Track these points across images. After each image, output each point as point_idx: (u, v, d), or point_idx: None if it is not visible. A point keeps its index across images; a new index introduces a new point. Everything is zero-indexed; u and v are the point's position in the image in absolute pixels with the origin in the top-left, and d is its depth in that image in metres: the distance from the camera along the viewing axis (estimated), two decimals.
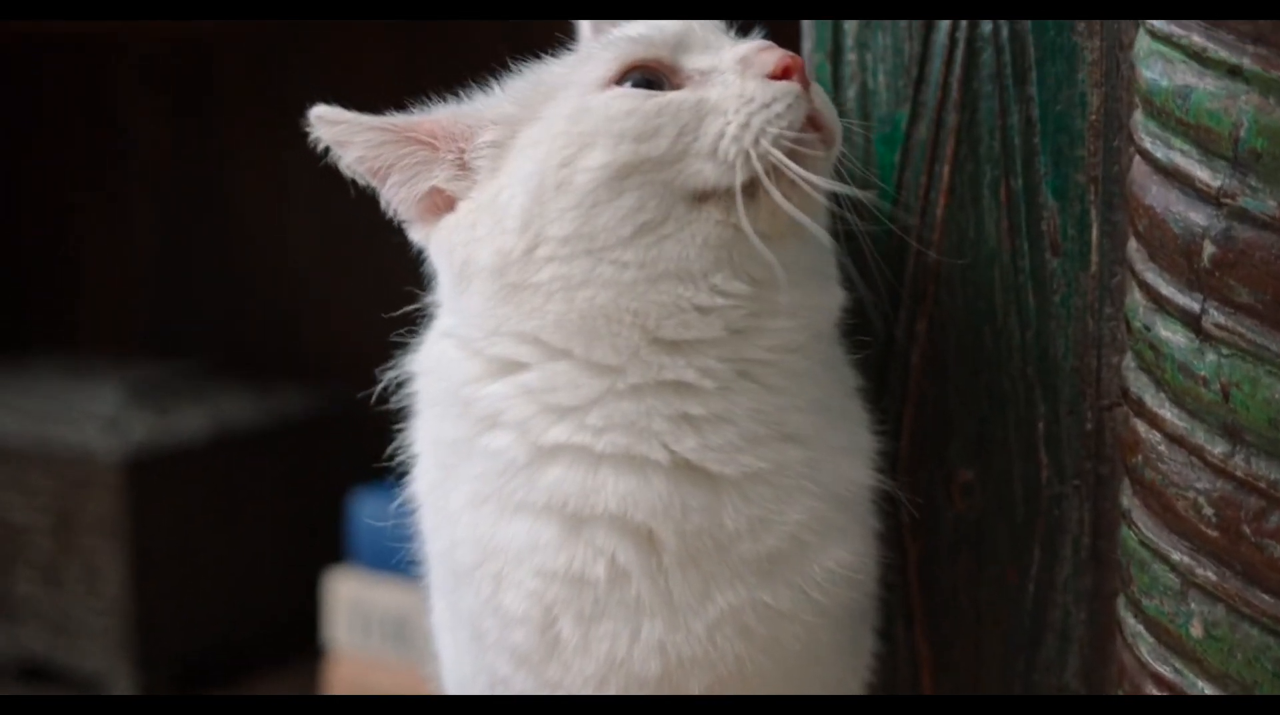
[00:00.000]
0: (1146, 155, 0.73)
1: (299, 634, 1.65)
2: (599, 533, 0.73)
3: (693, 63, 0.75)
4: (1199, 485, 0.71)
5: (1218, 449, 0.70)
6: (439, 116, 0.78)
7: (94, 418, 1.62)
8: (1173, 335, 0.72)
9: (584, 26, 0.87)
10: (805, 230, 0.73)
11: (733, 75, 0.73)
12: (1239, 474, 0.68)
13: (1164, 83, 0.71)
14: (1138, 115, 0.74)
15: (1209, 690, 0.71)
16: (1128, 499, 0.76)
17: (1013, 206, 0.80)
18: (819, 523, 0.74)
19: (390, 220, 0.80)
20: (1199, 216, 0.70)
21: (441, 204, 0.78)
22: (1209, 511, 0.70)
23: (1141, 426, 0.74)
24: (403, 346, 0.81)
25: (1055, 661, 0.83)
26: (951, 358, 0.83)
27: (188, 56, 1.90)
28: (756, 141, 0.71)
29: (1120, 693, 0.77)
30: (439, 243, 0.78)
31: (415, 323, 0.82)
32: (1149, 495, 0.74)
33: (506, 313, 0.74)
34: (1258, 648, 0.68)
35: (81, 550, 1.61)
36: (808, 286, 0.75)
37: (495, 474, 0.75)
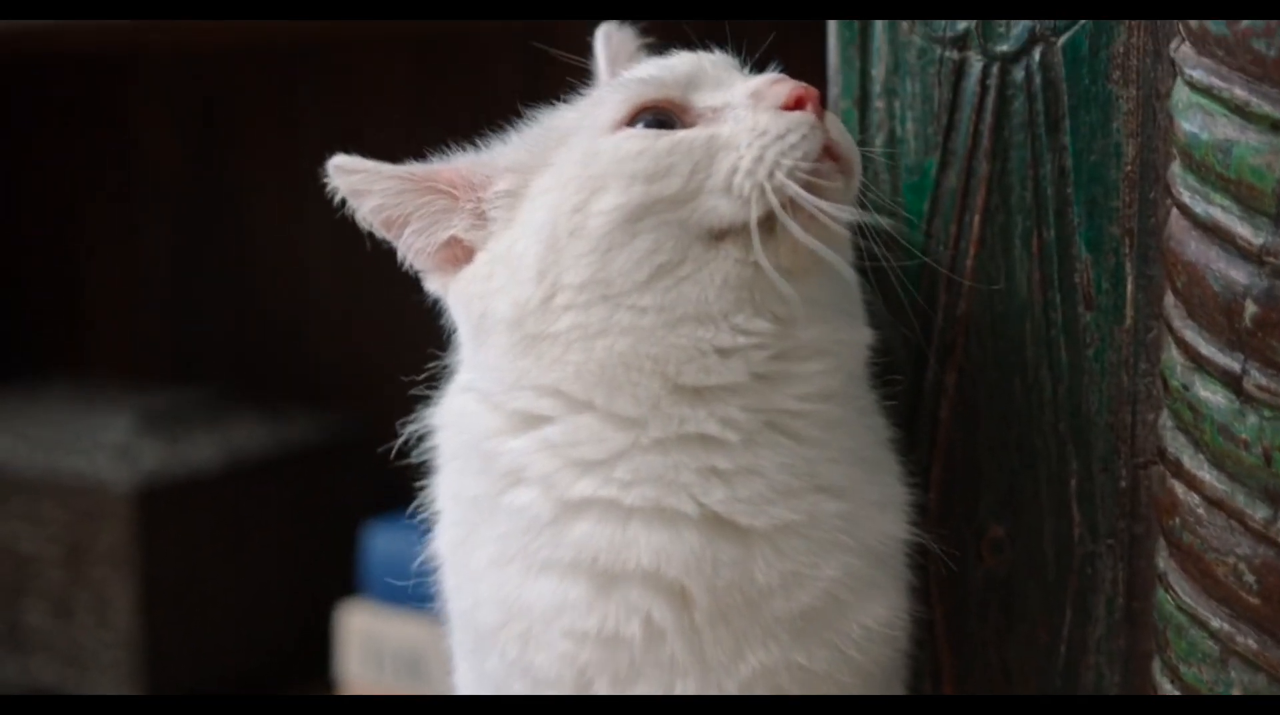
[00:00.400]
0: (1185, 210, 0.71)
1: (311, 667, 1.64)
2: (632, 590, 0.71)
3: (704, 100, 0.74)
4: (1240, 551, 0.69)
5: (1259, 514, 0.68)
6: (459, 165, 0.76)
7: (104, 447, 1.61)
8: (1212, 396, 0.70)
9: (600, 68, 0.85)
10: (828, 264, 0.71)
11: (744, 110, 0.72)
12: None
13: (1204, 136, 0.69)
14: (1176, 168, 0.72)
15: None
16: (1164, 561, 0.74)
17: (1045, 258, 0.78)
18: (854, 579, 0.73)
19: None
20: (1240, 274, 0.68)
21: (460, 255, 0.76)
22: (1250, 578, 0.69)
23: (1179, 488, 0.72)
24: (424, 399, 0.80)
25: None
26: (982, 411, 0.81)
27: (200, 77, 1.89)
28: (771, 174, 0.69)
29: None
30: (457, 294, 0.76)
31: (432, 353, 0.80)
32: (1187, 559, 0.72)
33: (526, 365, 0.72)
34: None
35: (92, 581, 1.59)
36: (834, 322, 0.74)
37: (520, 531, 0.73)
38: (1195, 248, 0.71)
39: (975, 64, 0.79)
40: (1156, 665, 0.75)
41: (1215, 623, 0.70)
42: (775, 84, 0.73)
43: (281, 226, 1.86)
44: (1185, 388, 0.71)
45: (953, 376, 0.81)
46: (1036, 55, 0.77)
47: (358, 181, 0.75)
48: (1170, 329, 0.72)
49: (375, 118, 1.72)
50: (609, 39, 0.86)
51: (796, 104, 0.71)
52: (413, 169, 0.76)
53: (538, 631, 0.73)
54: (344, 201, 0.76)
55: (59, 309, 2.08)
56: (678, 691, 0.71)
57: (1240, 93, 0.67)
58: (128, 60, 1.92)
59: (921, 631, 0.82)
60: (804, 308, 0.71)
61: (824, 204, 0.70)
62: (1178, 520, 0.72)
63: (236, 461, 1.65)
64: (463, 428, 0.76)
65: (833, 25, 0.82)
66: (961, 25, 0.79)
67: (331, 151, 0.76)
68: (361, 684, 1.52)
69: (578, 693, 0.72)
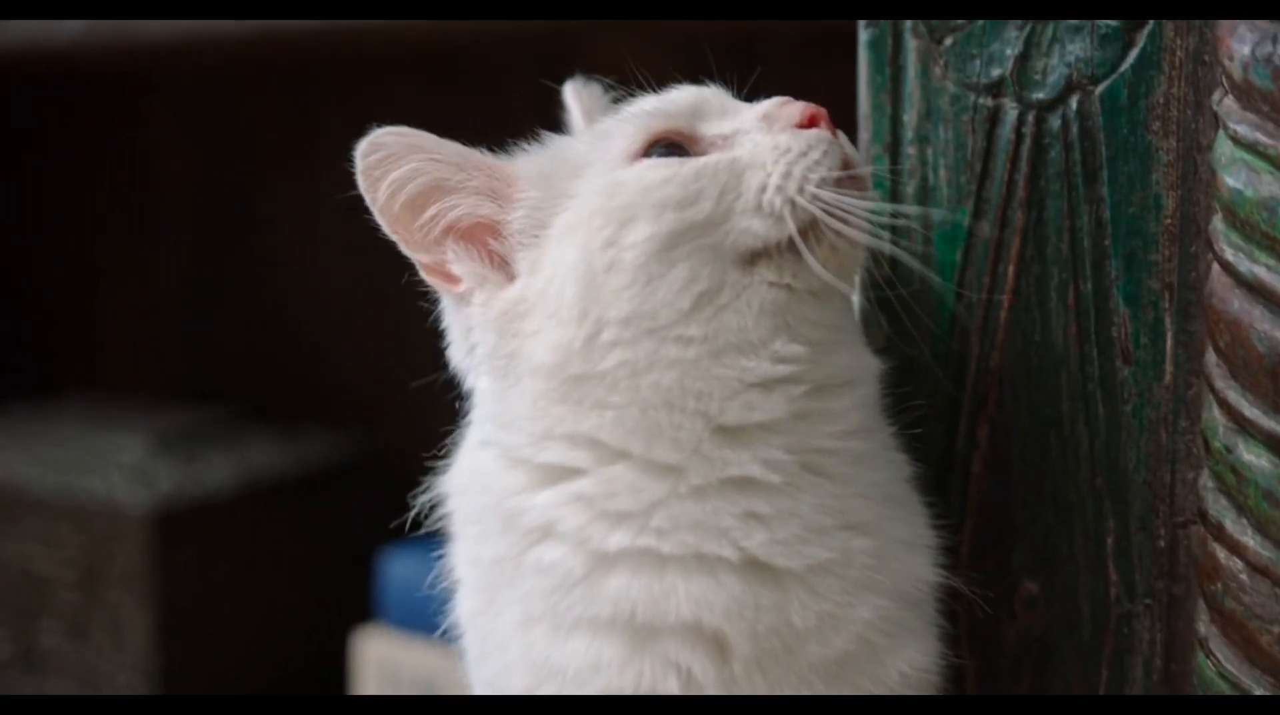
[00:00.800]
0: (1228, 267, 0.69)
1: (326, 691, 1.63)
2: (670, 644, 0.69)
3: (713, 129, 0.73)
4: None
5: None
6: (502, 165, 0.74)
7: (120, 468, 1.60)
8: (1257, 459, 0.68)
9: (575, 119, 0.84)
10: (843, 289, 0.72)
11: (759, 133, 0.72)
12: None
13: (1249, 193, 0.68)
14: (1218, 223, 0.70)
15: None
16: (1204, 626, 0.72)
17: (1081, 311, 0.76)
18: (887, 622, 0.71)
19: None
20: None
21: (491, 255, 0.74)
22: None
23: (1221, 552, 0.70)
24: (431, 469, 0.78)
25: None
26: (1015, 465, 0.79)
27: (217, 97, 1.88)
28: (801, 189, 0.69)
29: None
30: (492, 315, 0.72)
31: (450, 375, 0.78)
32: (1229, 625, 0.70)
33: (561, 413, 0.70)
34: None
35: (107, 604, 1.58)
36: (854, 348, 0.74)
37: (548, 590, 0.71)
38: (1239, 306, 0.69)
39: (1010, 111, 0.77)
40: None
41: (1258, 691, 0.68)
42: (785, 105, 0.73)
43: (298, 246, 1.85)
44: (1228, 450, 0.69)
45: (985, 430, 0.79)
46: (1073, 104, 0.75)
47: (407, 142, 0.72)
48: (1212, 389, 0.71)
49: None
50: (579, 93, 0.85)
51: (810, 122, 0.72)
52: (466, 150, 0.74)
53: (571, 694, 0.71)
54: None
55: (75, 328, 2.07)
56: None
57: None
58: (145, 79, 1.91)
59: (952, 688, 0.80)
60: (829, 332, 0.71)
61: (859, 202, 0.70)
62: (1220, 585, 0.70)
63: (252, 483, 1.63)
64: (481, 489, 0.74)
65: (863, 69, 0.80)
66: (996, 72, 0.77)
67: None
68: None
69: None
